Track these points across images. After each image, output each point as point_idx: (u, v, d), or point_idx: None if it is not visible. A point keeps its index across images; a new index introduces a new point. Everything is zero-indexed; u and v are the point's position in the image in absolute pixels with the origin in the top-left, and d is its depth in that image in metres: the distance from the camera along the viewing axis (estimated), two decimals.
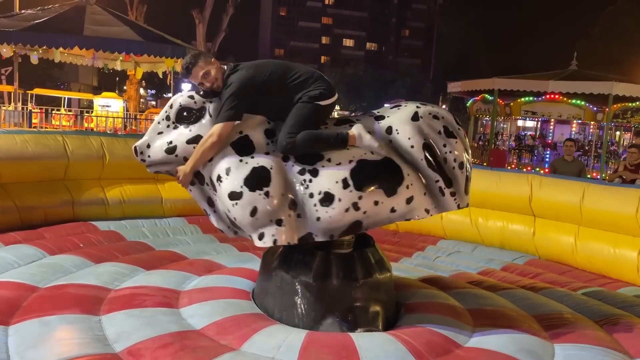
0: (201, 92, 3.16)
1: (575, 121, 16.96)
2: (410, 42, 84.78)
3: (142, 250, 4.44)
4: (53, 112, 17.03)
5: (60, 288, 3.35)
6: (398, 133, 3.07)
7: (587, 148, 17.51)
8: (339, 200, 2.90)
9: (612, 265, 4.80)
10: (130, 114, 18.78)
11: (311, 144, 2.99)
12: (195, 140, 3.04)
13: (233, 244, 4.87)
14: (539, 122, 18.99)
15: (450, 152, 3.10)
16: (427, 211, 3.12)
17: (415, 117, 3.11)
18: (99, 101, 20.57)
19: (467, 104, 19.57)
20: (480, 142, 18.95)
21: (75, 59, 14.96)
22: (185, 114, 3.11)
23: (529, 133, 21.30)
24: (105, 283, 3.50)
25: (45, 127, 14.53)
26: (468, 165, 3.22)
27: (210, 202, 3.13)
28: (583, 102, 15.32)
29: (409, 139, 3.05)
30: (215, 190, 3.03)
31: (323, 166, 2.98)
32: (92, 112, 18.72)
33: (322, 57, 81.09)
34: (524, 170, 11.65)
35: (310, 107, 3.05)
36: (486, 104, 17.23)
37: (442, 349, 2.84)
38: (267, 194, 2.89)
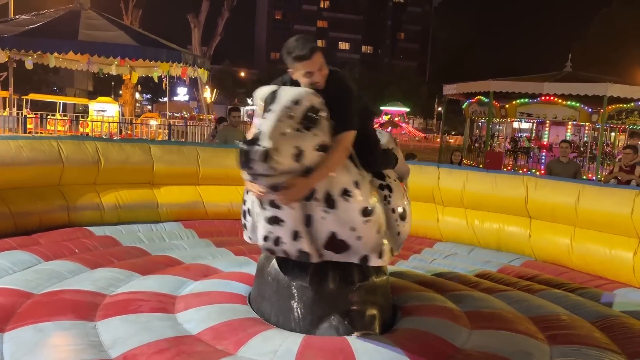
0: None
1: (570, 123, 17.01)
2: (405, 45, 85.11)
3: (137, 255, 4.43)
4: (48, 117, 16.98)
5: (56, 294, 3.33)
6: None
7: (582, 149, 17.56)
8: (409, 215, 3.20)
9: (608, 266, 4.81)
10: (125, 119, 18.75)
11: (386, 163, 3.24)
12: (323, 147, 2.62)
13: (229, 248, 4.85)
14: (535, 124, 19.06)
15: None
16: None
17: None
18: (94, 106, 20.53)
19: (463, 106, 19.65)
20: (476, 144, 18.99)
21: (71, 63, 14.96)
22: (312, 114, 2.59)
23: (524, 135, 21.35)
24: (101, 289, 3.48)
25: (41, 133, 14.49)
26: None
27: (307, 221, 2.79)
28: (578, 104, 15.39)
29: None
30: (331, 206, 2.74)
31: (390, 183, 3.17)
32: (87, 117, 18.69)
33: None
34: (520, 172, 11.69)
35: (369, 125, 3.13)
36: (482, 106, 17.30)
37: (439, 352, 2.84)
38: (402, 217, 3.19)
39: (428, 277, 4.30)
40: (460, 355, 2.86)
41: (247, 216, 3.09)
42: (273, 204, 2.69)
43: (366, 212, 2.80)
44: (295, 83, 2.83)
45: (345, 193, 2.74)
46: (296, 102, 2.54)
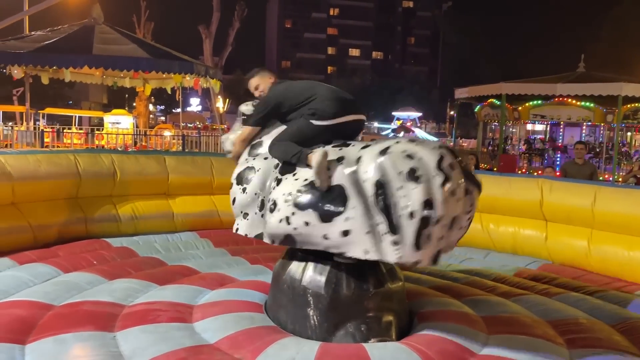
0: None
1: (585, 123, 16.84)
2: (416, 49, 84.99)
3: (154, 265, 4.47)
4: (64, 130, 17.23)
5: (75, 305, 3.38)
6: (361, 164, 2.88)
7: (598, 150, 17.35)
8: (278, 210, 3.10)
9: (626, 268, 4.75)
10: (140, 130, 18.96)
11: (278, 154, 3.30)
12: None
13: (244, 257, 4.88)
14: (549, 126, 18.87)
15: (403, 196, 2.70)
16: (366, 252, 2.82)
17: (383, 152, 2.84)
18: (109, 118, 20.77)
19: (475, 110, 19.54)
20: (490, 148, 18.86)
21: (85, 77, 15.17)
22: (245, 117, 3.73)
23: (538, 137, 21.16)
24: (119, 299, 3.53)
25: (58, 146, 14.70)
26: (429, 217, 2.69)
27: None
28: (592, 104, 15.23)
29: (366, 172, 2.83)
30: None
31: (286, 178, 3.18)
32: (102, 129, 18.92)
33: (329, 68, 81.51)
34: (535, 174, 11.58)
35: (302, 122, 3.28)
36: (494, 109, 17.20)
37: (457, 358, 2.83)
38: (243, 190, 3.42)
39: (444, 282, 4.28)
40: None
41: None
42: None
43: (231, 183, 3.74)
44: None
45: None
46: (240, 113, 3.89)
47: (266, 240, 3.27)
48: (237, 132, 3.74)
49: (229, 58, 28.60)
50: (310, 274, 3.16)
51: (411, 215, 2.68)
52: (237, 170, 3.56)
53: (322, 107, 3.23)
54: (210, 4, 24.90)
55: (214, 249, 5.21)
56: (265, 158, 3.45)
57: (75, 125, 21.91)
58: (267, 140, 3.52)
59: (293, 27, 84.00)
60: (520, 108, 16.40)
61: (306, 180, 3.06)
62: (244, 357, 2.79)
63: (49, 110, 24.29)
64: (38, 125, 17.03)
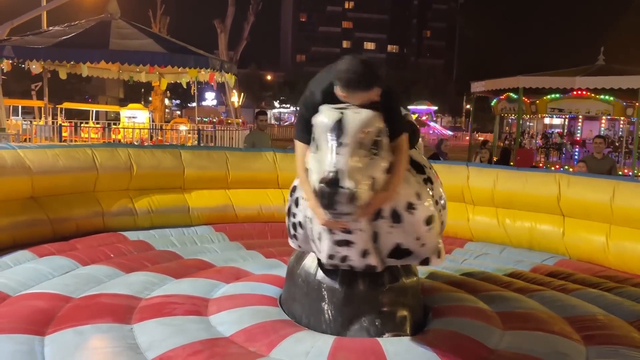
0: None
1: (604, 117, 16.58)
2: (431, 42, 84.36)
3: (171, 259, 4.51)
4: (82, 125, 17.44)
5: (93, 298, 3.43)
6: None
7: (617, 144, 17.09)
8: (446, 200, 3.28)
9: None
10: (156, 125, 19.12)
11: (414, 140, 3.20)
12: (388, 169, 2.64)
13: (259, 250, 4.91)
14: (567, 119, 18.62)
15: None
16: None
17: None
18: (125, 113, 21.00)
19: (492, 103, 19.34)
20: (507, 142, 18.69)
21: (102, 72, 15.33)
22: (378, 138, 2.56)
23: (556, 131, 20.91)
24: (136, 292, 3.57)
25: (75, 140, 14.89)
26: None
27: (374, 238, 2.84)
28: (612, 98, 14.98)
29: None
30: (397, 221, 2.77)
31: (429, 174, 3.22)
32: (119, 123, 19.12)
33: None
34: (552, 169, 11.46)
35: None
36: (511, 103, 17.00)
37: (472, 353, 2.81)
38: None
39: (459, 277, 4.26)
40: (493, 356, 2.82)
41: (299, 228, 3.12)
42: (345, 230, 2.74)
43: (429, 221, 2.89)
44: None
45: (410, 207, 2.82)
46: (364, 131, 2.49)
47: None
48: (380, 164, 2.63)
49: (244, 52, 28.71)
50: (325, 269, 3.16)
51: None
52: (427, 195, 2.95)
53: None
54: None
55: (229, 243, 5.25)
56: None
57: (92, 119, 22.16)
58: None
59: (308, 20, 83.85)
60: (537, 102, 16.19)
61: (431, 167, 3.33)
62: (258, 350, 2.81)
63: (67, 105, 24.60)
64: (56, 119, 17.24)
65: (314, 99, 2.72)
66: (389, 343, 2.83)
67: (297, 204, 3.09)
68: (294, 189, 3.17)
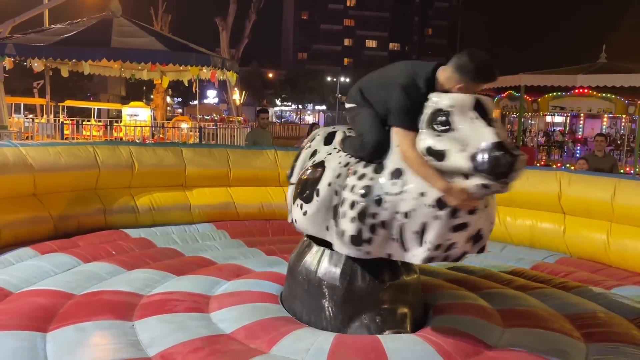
0: None
1: (606, 115, 16.55)
2: (433, 40, 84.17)
3: (172, 256, 4.53)
4: (84, 123, 17.46)
5: (95, 295, 3.44)
6: None
7: (619, 142, 17.06)
8: None
9: None
10: (157, 123, 19.13)
11: None
12: None
13: (260, 248, 4.92)
14: (568, 118, 18.58)
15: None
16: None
17: None
18: (127, 111, 21.01)
19: (494, 101, 19.27)
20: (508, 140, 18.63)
21: (104, 70, 15.33)
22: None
23: (557, 129, 20.86)
24: (138, 289, 3.58)
25: (77, 138, 14.92)
26: None
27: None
28: (614, 96, 14.96)
29: None
30: (486, 205, 2.85)
31: None
32: (121, 121, 19.13)
33: (345, 59, 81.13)
34: (554, 167, 11.45)
35: None
36: (513, 101, 16.99)
37: (472, 350, 2.82)
38: None
39: (459, 275, 4.26)
40: (493, 353, 2.83)
41: (380, 229, 2.84)
42: (471, 211, 2.73)
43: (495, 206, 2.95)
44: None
45: None
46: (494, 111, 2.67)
47: None
48: None
49: (246, 50, 28.68)
50: (326, 266, 3.17)
51: None
52: None
53: None
54: None
55: (230, 240, 5.26)
56: None
57: (94, 117, 22.19)
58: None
59: (309, 18, 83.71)
60: (539, 100, 16.17)
61: None
62: (259, 347, 2.82)
63: (69, 103, 24.62)
64: (58, 117, 17.26)
65: (419, 89, 2.81)
66: (389, 340, 2.84)
67: (379, 203, 2.83)
68: (368, 191, 2.85)
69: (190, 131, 17.00)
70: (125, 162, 5.50)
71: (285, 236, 5.54)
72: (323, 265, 3.18)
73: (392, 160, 2.85)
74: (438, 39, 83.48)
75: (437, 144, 2.63)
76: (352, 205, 2.86)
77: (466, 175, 2.57)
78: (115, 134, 16.19)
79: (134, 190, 5.57)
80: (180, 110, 49.89)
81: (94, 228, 5.11)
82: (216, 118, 33.12)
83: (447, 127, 2.62)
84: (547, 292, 3.88)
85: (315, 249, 3.28)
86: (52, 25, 14.16)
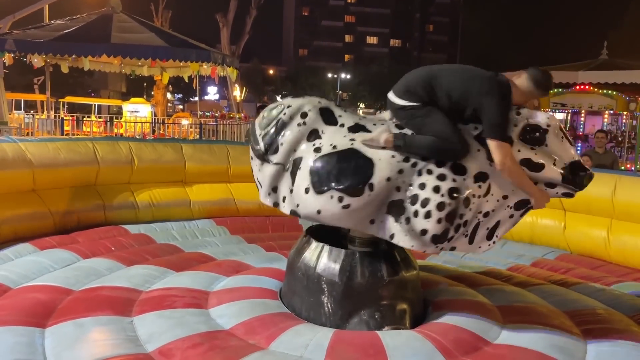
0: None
1: (607, 112, 16.50)
2: (434, 37, 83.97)
3: (171, 252, 4.52)
4: (84, 119, 17.44)
5: (94, 290, 3.44)
6: None
7: (620, 139, 17.01)
8: None
9: None
10: (158, 119, 19.12)
11: None
12: None
13: (260, 244, 4.92)
14: (569, 114, 18.54)
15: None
16: None
17: None
18: (127, 107, 20.97)
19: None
20: None
21: (104, 66, 15.32)
22: None
23: None
24: (137, 285, 3.58)
25: (77, 134, 14.90)
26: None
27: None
28: (615, 92, 14.93)
29: None
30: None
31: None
32: (121, 118, 19.11)
33: (346, 56, 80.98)
34: None
35: None
36: None
37: (471, 346, 2.82)
38: None
39: (459, 271, 4.26)
40: (492, 349, 2.83)
41: (462, 228, 2.96)
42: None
43: None
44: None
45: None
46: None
47: None
48: None
49: (246, 46, 28.64)
50: (325, 262, 3.17)
51: None
52: None
53: None
54: None
55: (230, 237, 5.25)
56: None
57: (94, 113, 22.16)
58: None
59: (310, 14, 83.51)
60: None
61: None
62: (258, 342, 2.82)
63: (69, 99, 24.59)
64: (58, 113, 17.25)
65: (510, 103, 3.04)
66: (388, 336, 2.84)
67: (467, 205, 2.89)
68: (458, 193, 2.88)
69: (191, 127, 16.97)
70: (124, 158, 5.49)
71: (284, 232, 5.54)
72: (322, 261, 3.18)
73: (475, 163, 2.94)
74: (439, 36, 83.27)
75: (533, 157, 2.95)
76: (441, 206, 2.85)
77: (552, 185, 3.02)
78: (115, 130, 16.17)
79: (134, 186, 5.56)
80: (180, 107, 49.80)
81: (94, 224, 5.10)
82: (217, 114, 33.09)
83: (542, 143, 2.97)
84: (546, 289, 3.88)
85: (315, 245, 3.28)
86: (52, 21, 14.14)
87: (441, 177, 2.89)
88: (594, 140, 9.09)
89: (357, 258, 3.12)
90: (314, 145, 3.10)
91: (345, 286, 3.07)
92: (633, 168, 13.73)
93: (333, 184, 2.93)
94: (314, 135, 3.14)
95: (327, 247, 3.20)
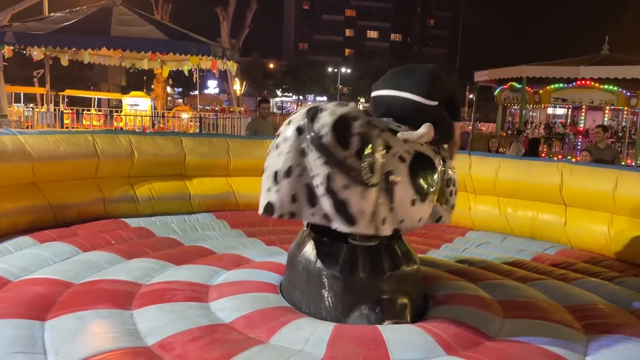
0: None
1: (607, 107, 16.49)
2: (435, 31, 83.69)
3: (171, 245, 4.52)
4: (84, 112, 17.41)
5: (94, 284, 3.43)
6: None
7: (621, 134, 17.00)
8: None
9: None
10: (158, 112, 19.09)
11: None
12: None
13: (260, 238, 4.91)
14: (570, 110, 18.51)
15: None
16: None
17: None
18: (127, 100, 20.96)
19: (495, 93, 19.26)
20: (509, 132, 18.61)
21: (104, 59, 15.27)
22: None
23: (559, 121, 20.79)
24: (137, 278, 3.57)
25: (77, 128, 14.88)
26: None
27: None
28: (616, 88, 14.91)
29: None
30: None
31: None
32: (121, 111, 19.08)
33: (347, 50, 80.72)
34: (555, 159, 11.41)
35: None
36: (514, 93, 16.93)
37: (471, 341, 2.81)
38: None
39: (460, 266, 4.25)
40: (492, 344, 2.82)
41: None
42: None
43: None
44: None
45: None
46: None
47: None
48: None
49: (247, 40, 28.56)
50: (326, 256, 3.15)
51: None
52: None
53: None
54: None
55: (230, 230, 5.24)
56: None
57: (94, 107, 22.11)
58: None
59: (311, 8, 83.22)
60: (541, 91, 16.11)
61: None
62: (258, 336, 2.81)
63: (69, 92, 24.54)
64: (58, 107, 17.21)
65: None
66: (389, 330, 2.84)
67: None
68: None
69: (191, 121, 16.94)
70: (124, 151, 5.47)
71: (285, 226, 5.53)
72: (323, 255, 3.16)
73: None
74: (440, 30, 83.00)
75: None
76: (456, 182, 3.51)
77: None
78: (115, 124, 16.14)
79: (134, 180, 5.55)
80: (180, 100, 49.75)
81: (93, 217, 5.09)
82: (217, 108, 33.02)
83: None
84: (547, 283, 3.88)
85: (316, 239, 3.27)
86: (52, 14, 14.08)
87: (443, 161, 3.36)
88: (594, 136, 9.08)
89: (357, 252, 3.11)
90: (393, 155, 2.89)
91: (346, 280, 3.07)
92: (634, 163, 13.72)
93: (431, 189, 3.09)
94: (387, 149, 2.90)
95: (328, 241, 3.19)
